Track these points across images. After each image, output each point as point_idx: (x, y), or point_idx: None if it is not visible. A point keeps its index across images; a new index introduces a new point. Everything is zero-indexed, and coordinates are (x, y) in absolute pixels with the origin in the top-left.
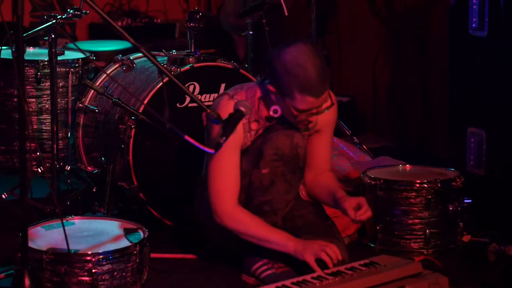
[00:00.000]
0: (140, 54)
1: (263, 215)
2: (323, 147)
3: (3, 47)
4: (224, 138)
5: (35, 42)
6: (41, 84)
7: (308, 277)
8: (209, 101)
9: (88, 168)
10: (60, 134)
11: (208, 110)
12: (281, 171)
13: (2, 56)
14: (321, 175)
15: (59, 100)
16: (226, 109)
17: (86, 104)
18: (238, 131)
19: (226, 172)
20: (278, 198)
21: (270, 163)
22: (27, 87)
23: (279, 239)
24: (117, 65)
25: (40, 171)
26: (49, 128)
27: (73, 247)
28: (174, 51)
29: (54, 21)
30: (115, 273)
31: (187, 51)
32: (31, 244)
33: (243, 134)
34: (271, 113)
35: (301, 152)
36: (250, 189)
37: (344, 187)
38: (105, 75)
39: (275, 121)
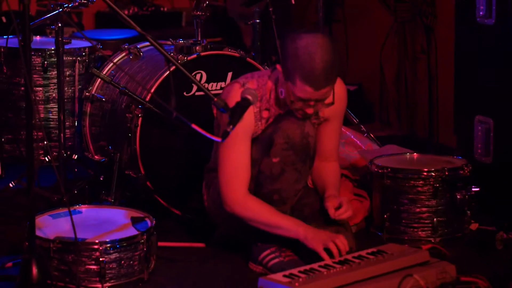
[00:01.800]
0: (147, 43)
1: (272, 204)
2: (330, 135)
3: (10, 36)
4: (231, 126)
5: (41, 31)
6: (48, 73)
7: (315, 265)
8: (216, 89)
9: (95, 157)
10: (67, 123)
11: (215, 99)
12: (291, 160)
13: (9, 45)
14: (326, 164)
15: (66, 89)
16: (237, 97)
17: (93, 93)
18: (249, 119)
19: (237, 160)
20: (287, 187)
21: (280, 152)
22: (34, 76)
23: (290, 226)
24: (124, 54)
25: (47, 160)
26: (56, 117)
27: (81, 235)
28: (181, 39)
29: (60, 9)
30: (123, 262)
31: (194, 39)
32: (38, 233)
33: (254, 122)
34: (279, 94)
35: (311, 141)
36: (259, 178)
37: (351, 175)
38: (112, 64)
39: (286, 110)
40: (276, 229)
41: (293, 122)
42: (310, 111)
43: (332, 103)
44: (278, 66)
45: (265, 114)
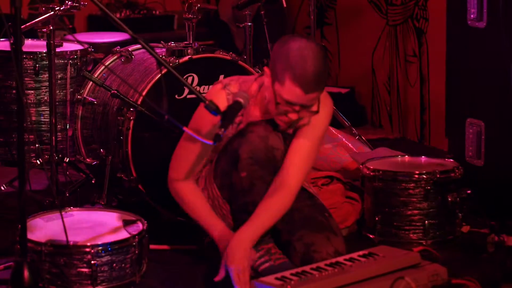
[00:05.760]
0: (138, 46)
1: (249, 214)
2: (295, 149)
3: (1, 39)
4: (222, 129)
5: (33, 34)
6: (39, 76)
7: (307, 268)
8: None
9: (87, 160)
10: (58, 126)
11: (207, 102)
12: (258, 174)
13: (0, 48)
14: (279, 187)
15: (57, 92)
16: (216, 97)
17: (84, 96)
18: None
19: (192, 153)
20: (260, 198)
21: (246, 167)
22: (26, 79)
23: (207, 225)
24: (115, 57)
25: (38, 163)
26: (47, 120)
27: (72, 238)
28: (172, 42)
29: (52, 12)
30: (114, 265)
31: (186, 42)
32: (30, 236)
33: None
34: (262, 100)
35: (277, 154)
36: (232, 190)
37: (343, 178)
38: (103, 67)
39: (258, 119)
40: (199, 222)
41: (257, 136)
42: (294, 116)
43: (317, 112)
44: (266, 69)
45: (237, 119)
